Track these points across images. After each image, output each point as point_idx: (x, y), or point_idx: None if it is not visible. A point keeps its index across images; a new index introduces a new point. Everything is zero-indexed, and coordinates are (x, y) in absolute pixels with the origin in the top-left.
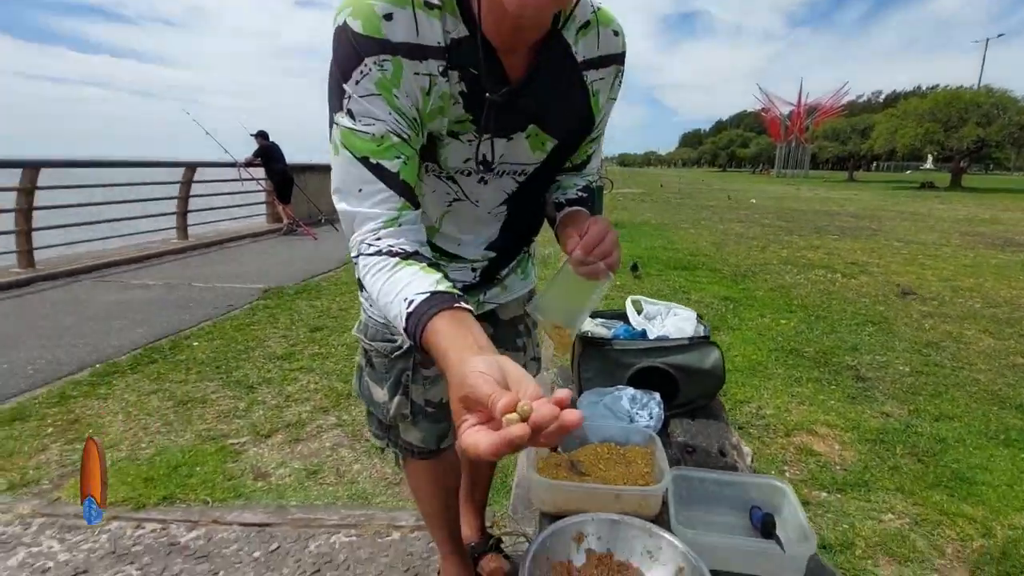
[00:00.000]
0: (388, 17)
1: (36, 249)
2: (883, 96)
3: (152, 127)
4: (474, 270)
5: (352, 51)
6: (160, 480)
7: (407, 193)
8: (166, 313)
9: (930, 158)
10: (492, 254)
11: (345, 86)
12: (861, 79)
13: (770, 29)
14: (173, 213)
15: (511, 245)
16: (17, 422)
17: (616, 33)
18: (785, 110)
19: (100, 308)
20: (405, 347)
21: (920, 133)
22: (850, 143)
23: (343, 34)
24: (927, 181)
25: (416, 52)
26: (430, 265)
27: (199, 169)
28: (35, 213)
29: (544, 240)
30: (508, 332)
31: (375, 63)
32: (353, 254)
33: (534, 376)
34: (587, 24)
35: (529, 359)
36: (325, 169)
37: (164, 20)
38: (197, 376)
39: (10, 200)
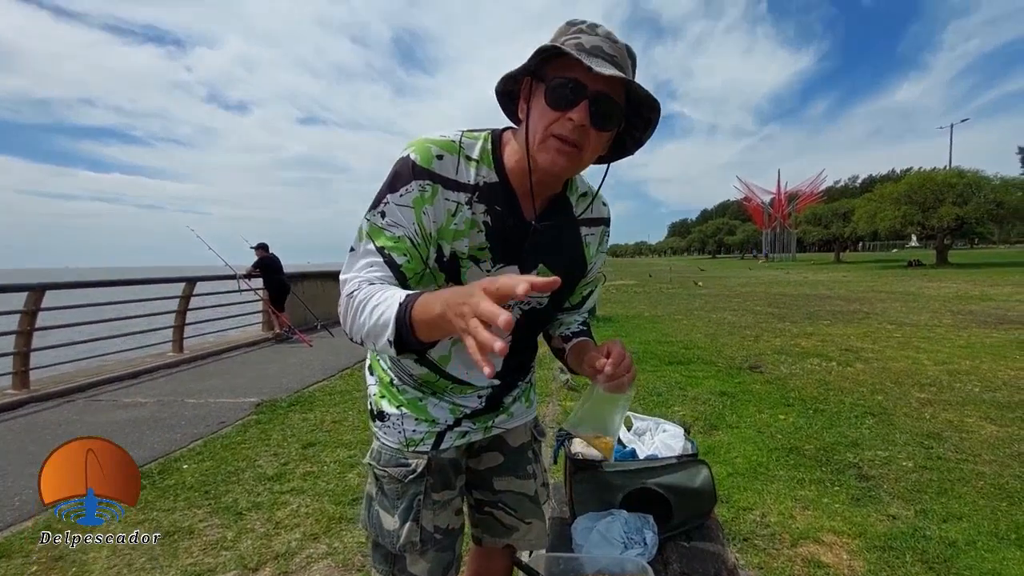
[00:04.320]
0: (439, 157)
1: (32, 369)
2: (860, 180)
3: (157, 238)
4: (480, 397)
5: (408, 174)
6: None
7: (402, 279)
8: (156, 434)
9: (914, 236)
10: (496, 381)
11: (388, 195)
12: (836, 166)
13: (742, 126)
14: (170, 327)
15: (512, 374)
16: (2, 559)
17: (605, 204)
18: (766, 198)
19: (90, 430)
20: (419, 471)
21: (899, 215)
22: (833, 226)
23: (405, 162)
24: (914, 259)
25: (451, 184)
26: None
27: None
28: (35, 333)
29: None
30: (518, 459)
31: (419, 185)
32: (351, 289)
33: (543, 502)
34: (585, 194)
35: (539, 485)
36: (321, 276)
37: (175, 140)
38: (185, 503)
39: (11, 322)
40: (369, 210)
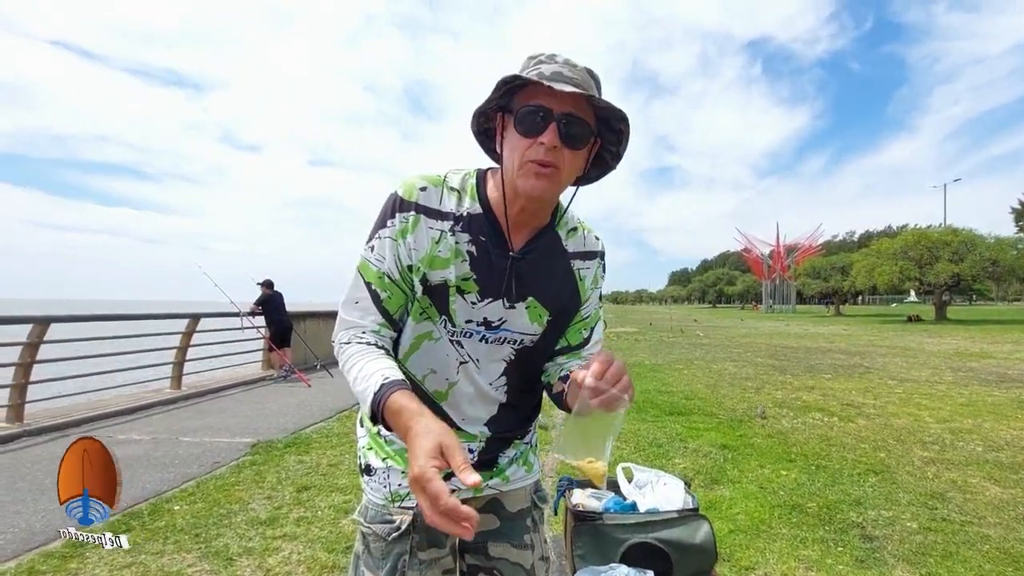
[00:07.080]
0: (423, 189)
1: (28, 402)
2: (857, 235)
3: (161, 272)
4: (471, 451)
5: (392, 209)
6: None
7: (386, 316)
8: (149, 473)
9: (912, 291)
10: (489, 433)
11: (378, 231)
12: (833, 220)
13: (739, 180)
14: (170, 363)
15: (508, 425)
16: None
17: (597, 238)
18: (765, 250)
19: None
20: (403, 528)
21: (896, 271)
22: (832, 280)
23: (390, 199)
24: (914, 314)
25: (433, 213)
26: (399, 365)
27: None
28: (35, 366)
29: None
30: (515, 526)
31: (401, 218)
32: (345, 340)
33: None
34: (575, 228)
35: (537, 558)
36: (323, 315)
37: (186, 178)
38: (175, 546)
39: (11, 353)
40: (364, 245)
